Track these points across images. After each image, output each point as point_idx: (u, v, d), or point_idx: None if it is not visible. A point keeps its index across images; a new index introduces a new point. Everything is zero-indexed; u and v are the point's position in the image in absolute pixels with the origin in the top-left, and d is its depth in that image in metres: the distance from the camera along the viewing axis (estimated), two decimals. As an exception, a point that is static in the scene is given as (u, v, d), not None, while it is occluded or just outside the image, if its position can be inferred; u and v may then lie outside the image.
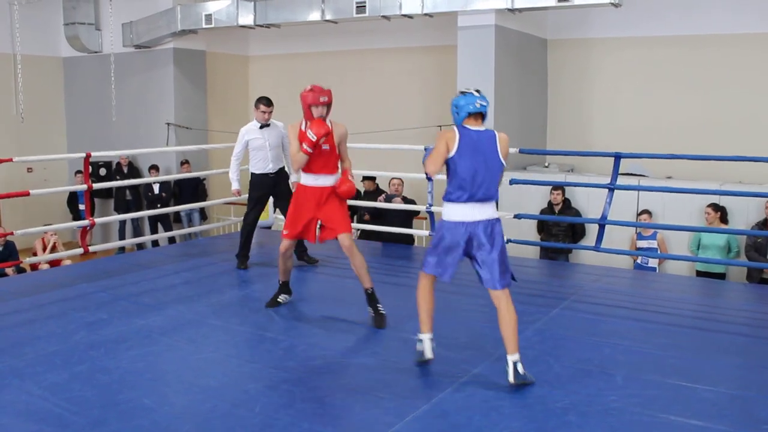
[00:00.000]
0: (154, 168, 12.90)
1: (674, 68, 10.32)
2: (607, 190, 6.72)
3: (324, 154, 5.23)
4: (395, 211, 8.48)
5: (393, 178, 8.86)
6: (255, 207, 6.95)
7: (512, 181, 7.35)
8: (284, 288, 5.66)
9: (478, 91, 4.47)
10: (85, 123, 14.35)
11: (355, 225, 9.63)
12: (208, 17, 12.02)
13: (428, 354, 4.27)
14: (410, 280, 6.63)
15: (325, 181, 5.29)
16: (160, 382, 4.20)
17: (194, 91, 13.51)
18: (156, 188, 12.73)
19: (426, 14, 10.30)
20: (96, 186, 7.70)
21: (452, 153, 4.20)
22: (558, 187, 9.05)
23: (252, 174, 6.89)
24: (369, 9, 10.53)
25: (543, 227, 9.31)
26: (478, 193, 4.16)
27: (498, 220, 4.27)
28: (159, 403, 3.88)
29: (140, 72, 13.55)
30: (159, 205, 12.09)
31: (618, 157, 6.62)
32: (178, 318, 5.39)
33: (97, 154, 7.84)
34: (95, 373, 4.26)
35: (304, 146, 5.10)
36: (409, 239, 8.64)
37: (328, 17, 10.99)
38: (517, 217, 7.35)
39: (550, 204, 9.18)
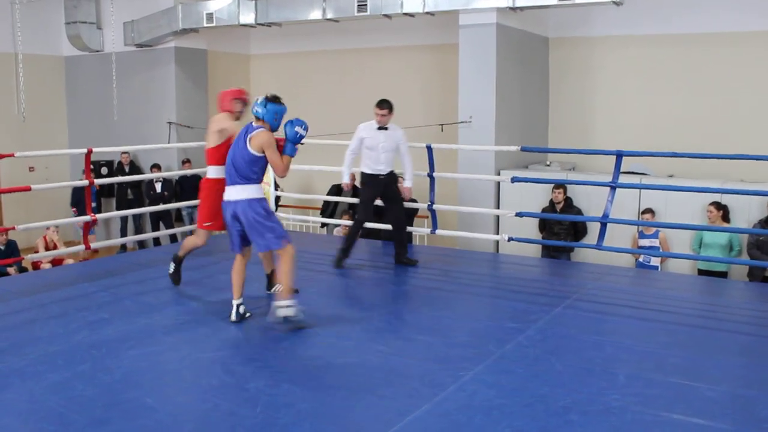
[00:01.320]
0: (155, 167, 12.90)
1: (676, 66, 10.31)
2: (608, 188, 6.71)
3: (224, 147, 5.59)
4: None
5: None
6: (366, 208, 7.02)
7: (514, 180, 7.35)
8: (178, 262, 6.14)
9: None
10: (87, 122, 14.35)
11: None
12: (210, 16, 12.01)
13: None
14: (409, 278, 6.64)
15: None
16: (162, 382, 4.20)
17: (196, 89, 13.50)
18: (158, 187, 12.73)
19: (427, 13, 10.29)
20: (98, 182, 7.72)
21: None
22: (559, 185, 9.05)
23: (362, 173, 6.96)
24: (370, 7, 10.52)
25: (545, 226, 9.30)
26: None
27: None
28: (161, 402, 3.88)
29: (142, 71, 13.55)
30: (161, 204, 12.08)
31: (620, 155, 6.62)
32: (180, 317, 5.39)
33: (99, 150, 7.86)
34: (97, 372, 4.27)
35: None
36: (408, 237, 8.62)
37: (329, 16, 10.97)
38: (519, 215, 7.34)
39: (551, 202, 9.18)
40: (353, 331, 5.09)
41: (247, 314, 5.28)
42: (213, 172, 5.74)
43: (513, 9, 9.69)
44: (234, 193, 5.08)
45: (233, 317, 5.19)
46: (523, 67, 10.64)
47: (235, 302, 5.22)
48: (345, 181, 7.02)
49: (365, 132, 6.84)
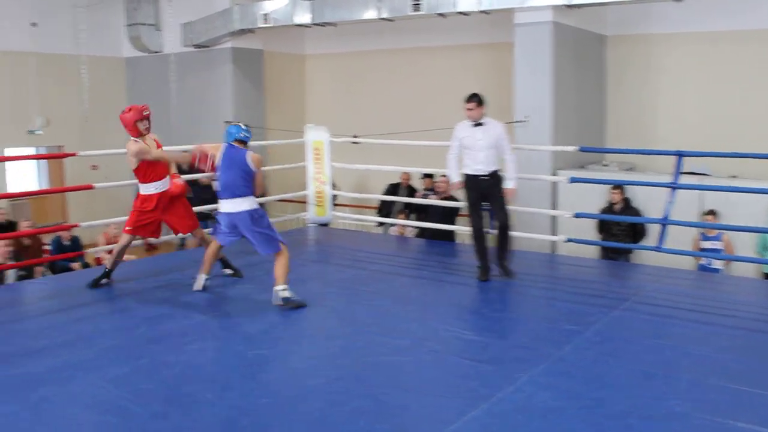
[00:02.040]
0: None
1: (739, 64, 10.05)
2: (668, 189, 6.58)
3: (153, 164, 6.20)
4: (437, 207, 8.47)
5: (441, 176, 8.86)
6: (474, 211, 6.54)
7: (571, 180, 7.25)
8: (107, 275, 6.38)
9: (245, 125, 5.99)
10: (147, 122, 14.62)
11: (411, 223, 9.62)
12: (265, 16, 12.14)
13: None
14: (451, 276, 6.60)
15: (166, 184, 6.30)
16: (220, 377, 4.25)
17: (252, 89, 13.66)
18: (215, 185, 12.88)
19: (482, 11, 10.23)
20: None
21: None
22: (617, 186, 8.88)
23: (463, 175, 6.52)
24: (425, 6, 10.51)
25: (603, 227, 9.14)
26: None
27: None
28: (219, 396, 3.94)
29: (199, 71, 13.76)
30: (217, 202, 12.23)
31: (680, 155, 6.48)
32: (237, 314, 5.46)
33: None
34: (157, 366, 4.35)
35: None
36: (451, 236, 8.60)
37: (383, 15, 10.99)
38: (578, 216, 7.24)
39: (609, 203, 9.03)
40: (409, 330, 5.08)
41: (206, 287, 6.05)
42: (144, 188, 6.27)
43: (569, 6, 9.58)
44: (234, 205, 5.72)
45: (199, 287, 6.02)
46: (579, 65, 10.50)
47: (204, 276, 6.06)
48: (453, 180, 6.66)
49: (462, 131, 6.46)
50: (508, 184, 6.45)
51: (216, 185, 5.93)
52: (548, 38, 9.78)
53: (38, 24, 13.19)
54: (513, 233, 6.59)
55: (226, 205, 5.77)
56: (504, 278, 6.39)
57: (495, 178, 6.42)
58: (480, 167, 6.37)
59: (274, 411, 3.77)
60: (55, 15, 13.40)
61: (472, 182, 6.43)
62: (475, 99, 6.42)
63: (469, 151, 6.39)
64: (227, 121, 6.05)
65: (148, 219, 6.20)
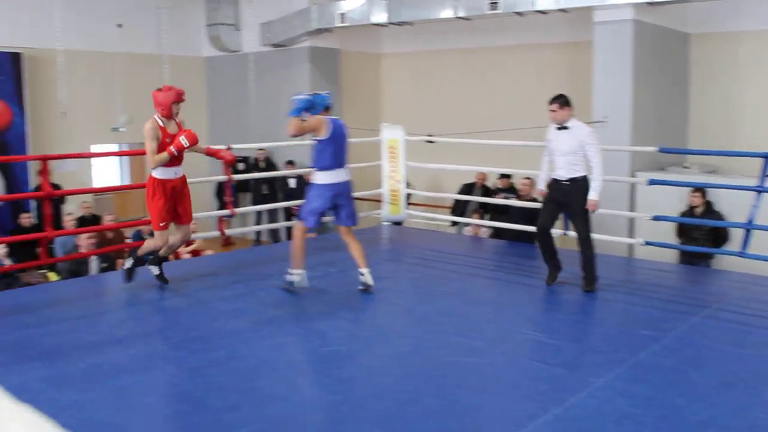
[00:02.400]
0: (289, 163, 13.25)
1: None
2: (754, 192, 6.35)
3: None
4: (517, 208, 8.37)
5: (524, 178, 8.77)
6: (543, 211, 6.27)
7: (651, 182, 7.08)
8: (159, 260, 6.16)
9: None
10: (226, 120, 14.95)
11: (487, 223, 9.54)
12: (342, 16, 12.24)
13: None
14: (526, 278, 6.51)
15: (179, 171, 5.96)
16: (293, 372, 4.31)
17: (328, 88, 13.69)
18: (292, 183, 13.09)
19: (560, 9, 10.08)
20: (235, 178, 8.04)
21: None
22: (699, 189, 8.62)
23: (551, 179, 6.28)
24: (502, 5, 10.42)
25: (683, 231, 8.88)
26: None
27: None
28: (291, 392, 3.99)
29: (277, 70, 13.97)
30: (295, 199, 12.39)
31: (767, 157, 6.25)
32: (310, 310, 5.51)
33: (237, 147, 8.14)
34: (232, 359, 4.43)
35: (172, 149, 5.62)
36: (530, 238, 8.49)
37: (460, 14, 10.95)
38: (656, 218, 7.07)
39: (690, 206, 8.77)
40: (481, 331, 5.05)
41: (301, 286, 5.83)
42: (160, 172, 5.79)
43: (651, 4, 9.35)
44: (340, 175, 5.77)
45: (304, 283, 5.82)
46: (660, 64, 10.23)
47: (298, 271, 5.82)
48: (538, 188, 6.48)
49: (549, 134, 6.14)
50: (591, 195, 5.94)
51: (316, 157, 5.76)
52: (628, 37, 9.56)
53: (123, 25, 13.62)
54: (593, 247, 6.09)
55: (332, 176, 5.75)
56: (585, 290, 5.99)
57: (575, 185, 5.99)
58: (560, 173, 6.05)
59: (344, 408, 3.79)
60: (139, 16, 13.81)
61: (553, 186, 6.17)
62: (559, 100, 6.04)
63: (553, 155, 6.11)
64: (318, 92, 5.85)
65: (167, 207, 5.81)
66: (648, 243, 7.11)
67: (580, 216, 6.04)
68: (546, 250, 6.19)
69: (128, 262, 6.07)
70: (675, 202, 9.00)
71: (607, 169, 9.11)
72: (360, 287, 5.81)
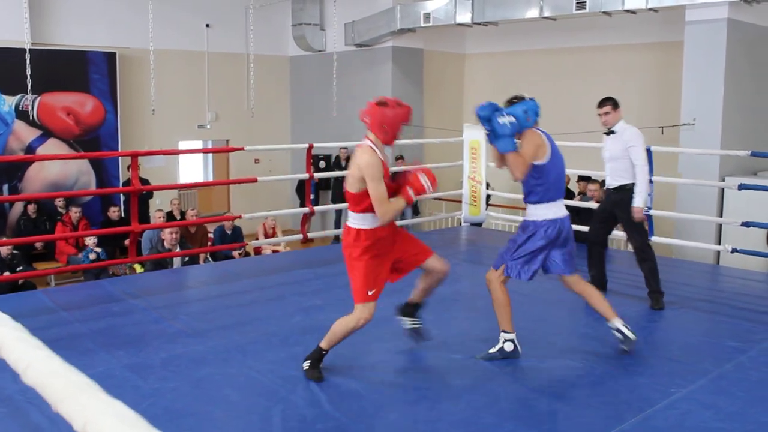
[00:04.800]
0: (368, 162, 13.33)
1: None
2: None
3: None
4: (592, 212, 8.20)
5: (590, 183, 8.61)
6: (596, 222, 6.01)
7: (741, 186, 6.82)
8: (320, 359, 4.18)
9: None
10: (308, 118, 15.15)
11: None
12: (427, 16, 12.23)
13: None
14: (619, 287, 6.34)
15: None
16: (369, 370, 4.33)
17: (411, 88, 13.80)
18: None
19: (650, 9, 9.82)
20: (317, 176, 8.13)
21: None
22: (793, 195, 8.27)
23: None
24: (590, 5, 10.22)
25: (774, 238, 8.56)
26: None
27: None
28: (367, 389, 4.01)
29: (360, 70, 14.07)
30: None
31: None
32: (387, 309, 5.51)
33: (319, 146, 8.23)
34: (329, 355, 4.45)
35: (411, 193, 3.98)
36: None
37: (546, 14, 10.79)
38: (745, 225, 6.81)
39: (783, 213, 8.42)
40: (559, 336, 4.97)
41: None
42: (360, 220, 4.07)
43: (748, 2, 9.00)
44: (561, 208, 4.44)
45: (503, 352, 4.44)
46: (755, 65, 9.85)
47: (510, 336, 4.46)
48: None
49: (604, 140, 5.85)
50: (635, 202, 5.54)
51: (532, 186, 4.40)
52: (722, 36, 9.24)
53: (212, 25, 13.97)
54: (651, 259, 5.71)
55: (553, 209, 4.40)
56: (653, 308, 5.65)
57: (622, 193, 5.63)
58: (608, 179, 5.80)
59: (419, 408, 3.79)
60: (227, 17, 14.15)
61: (605, 194, 5.93)
62: (608, 103, 5.73)
63: (605, 162, 5.84)
64: (515, 98, 4.53)
65: (377, 268, 4.10)
66: (735, 250, 6.86)
67: (630, 226, 5.71)
68: (590, 262, 5.93)
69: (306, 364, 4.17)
70: (767, 208, 8.65)
71: (694, 173, 8.93)
72: (622, 346, 4.50)
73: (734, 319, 5.35)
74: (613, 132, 5.71)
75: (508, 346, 4.40)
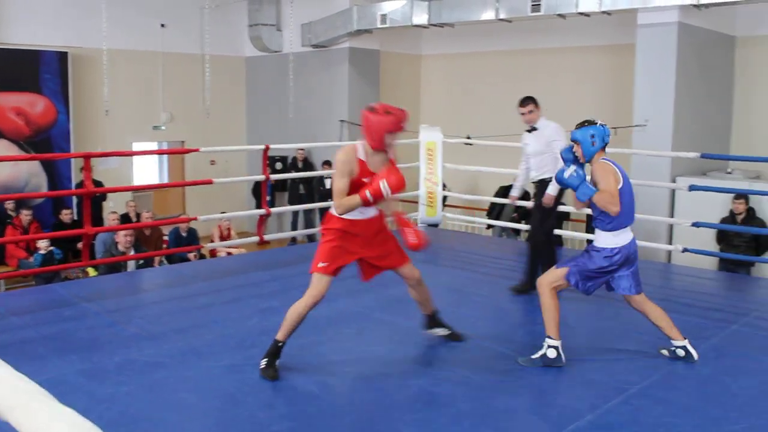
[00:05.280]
0: (327, 163, 13.28)
1: None
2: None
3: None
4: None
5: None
6: (532, 221, 6.24)
7: (692, 188, 6.97)
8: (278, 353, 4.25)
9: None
10: (265, 119, 15.08)
11: (522, 226, 9.51)
12: (384, 17, 12.25)
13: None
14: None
15: (368, 211, 4.28)
16: (326, 371, 4.31)
17: (368, 89, 13.81)
18: (328, 183, 13.14)
19: (603, 12, 9.97)
20: (272, 177, 8.10)
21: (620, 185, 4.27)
22: (741, 195, 8.47)
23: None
24: (544, 7, 10.34)
25: (723, 237, 8.75)
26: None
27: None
28: (324, 391, 4.00)
29: (317, 71, 14.04)
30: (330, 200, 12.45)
31: (813, 164, 6.12)
32: (346, 310, 5.52)
33: (275, 147, 8.20)
34: (266, 357, 4.45)
35: (367, 195, 4.04)
36: (557, 241, 8.42)
37: (502, 16, 10.89)
38: (696, 225, 6.96)
39: (731, 213, 8.62)
40: (517, 335, 5.02)
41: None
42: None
43: (697, 6, 9.19)
44: (630, 232, 4.39)
45: (546, 359, 4.35)
46: (705, 68, 10.07)
47: (555, 342, 4.37)
48: (511, 194, 6.56)
49: (524, 137, 6.14)
50: (548, 189, 5.75)
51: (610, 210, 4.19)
52: (673, 40, 9.43)
53: (167, 25, 13.82)
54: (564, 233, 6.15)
55: (623, 236, 4.32)
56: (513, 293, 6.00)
57: (542, 185, 5.90)
58: (533, 173, 6.06)
59: (377, 410, 3.79)
60: (182, 17, 14.01)
61: (535, 188, 6.12)
62: (531, 102, 6.00)
63: (528, 158, 6.10)
64: (586, 121, 4.36)
65: (337, 248, 4.25)
66: (686, 250, 7.00)
67: (534, 218, 6.05)
68: (541, 260, 5.97)
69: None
70: (717, 208, 8.86)
71: (646, 174, 9.09)
72: (669, 354, 4.54)
73: (685, 316, 5.46)
74: (535, 129, 5.98)
75: (551, 353, 4.32)
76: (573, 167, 4.30)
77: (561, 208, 8.23)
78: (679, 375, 4.24)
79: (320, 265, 4.17)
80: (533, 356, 4.34)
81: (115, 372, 4.21)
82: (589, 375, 4.22)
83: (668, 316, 4.50)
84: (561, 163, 5.45)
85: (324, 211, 13.04)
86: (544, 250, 5.95)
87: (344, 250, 4.21)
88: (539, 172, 5.97)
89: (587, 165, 4.34)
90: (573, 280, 4.34)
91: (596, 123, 4.32)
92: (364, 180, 4.11)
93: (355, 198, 4.08)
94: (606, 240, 4.31)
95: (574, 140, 4.33)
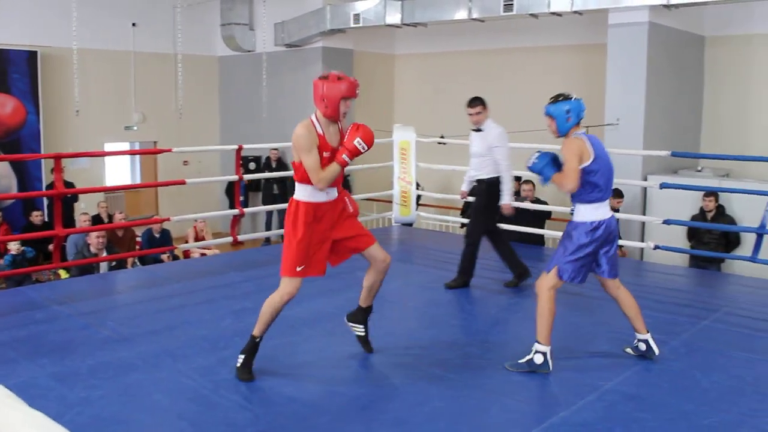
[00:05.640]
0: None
1: None
2: (766, 197, 6.31)
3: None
4: (527, 212, 8.37)
5: (523, 183, 8.78)
6: (473, 217, 6.40)
7: (663, 185, 7.05)
8: (255, 348, 4.22)
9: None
10: (238, 119, 15.00)
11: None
12: (357, 16, 12.25)
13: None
14: (534, 280, 6.47)
15: (333, 192, 4.21)
16: (300, 372, 4.31)
17: (341, 88, 13.76)
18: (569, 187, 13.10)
19: (575, 12, 10.05)
20: (246, 177, 8.07)
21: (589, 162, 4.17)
22: (711, 192, 8.59)
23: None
24: (517, 7, 10.39)
25: (693, 234, 8.87)
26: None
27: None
28: (299, 391, 4.00)
29: (290, 70, 14.00)
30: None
31: (780, 162, 6.21)
32: (319, 310, 5.52)
33: (249, 147, 8.17)
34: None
35: (344, 157, 4.00)
36: (540, 240, 8.51)
37: (474, 15, 10.93)
38: (667, 222, 7.04)
39: (702, 210, 8.73)
40: (490, 333, 5.04)
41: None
42: (307, 193, 4.14)
43: (667, 6, 9.29)
44: (609, 209, 4.31)
45: (533, 364, 4.25)
46: (675, 67, 10.19)
47: (545, 348, 4.24)
48: (461, 189, 6.69)
49: (471, 136, 6.29)
50: (503, 199, 6.05)
51: (570, 187, 4.17)
52: (643, 39, 9.52)
53: (138, 24, 13.70)
54: (475, 247, 6.21)
55: (601, 210, 4.24)
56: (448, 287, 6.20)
57: (481, 185, 6.16)
58: (473, 173, 6.30)
59: (353, 409, 3.79)
60: (154, 15, 13.89)
61: (475, 188, 6.37)
62: (480, 103, 6.11)
63: (471, 157, 6.32)
64: (561, 95, 4.42)
65: (311, 243, 4.12)
66: (658, 247, 7.08)
67: (471, 215, 6.35)
68: (501, 254, 6.32)
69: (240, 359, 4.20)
70: (688, 205, 8.97)
71: (618, 172, 9.12)
72: (633, 352, 4.52)
73: (657, 312, 5.52)
74: (480, 130, 6.13)
75: (538, 359, 4.21)
76: (537, 154, 4.30)
77: (543, 207, 8.35)
78: (651, 371, 4.29)
79: (298, 269, 4.09)
80: (520, 360, 4.27)
81: (88, 375, 4.17)
82: (563, 372, 4.25)
83: (638, 307, 4.45)
84: (503, 168, 5.98)
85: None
86: (474, 242, 6.21)
87: (317, 241, 4.12)
88: (478, 172, 6.19)
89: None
90: (566, 275, 4.23)
91: (571, 97, 4.25)
92: (324, 155, 4.04)
93: (333, 166, 4.02)
94: (586, 213, 4.22)
95: (548, 115, 4.28)
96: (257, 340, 4.19)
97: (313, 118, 4.13)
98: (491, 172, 6.09)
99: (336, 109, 4.07)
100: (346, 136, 4.06)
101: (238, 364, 4.16)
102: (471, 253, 6.20)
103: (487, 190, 6.12)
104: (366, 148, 4.03)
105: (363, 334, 4.57)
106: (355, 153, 4.02)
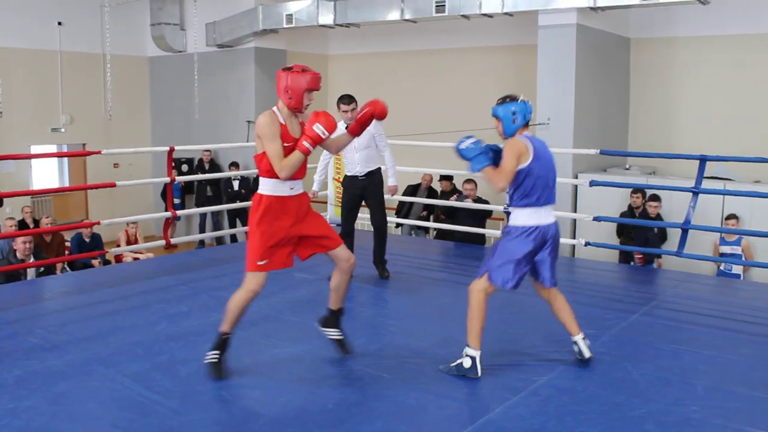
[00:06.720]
0: (234, 165, 13.16)
1: (765, 68, 9.95)
2: (690, 193, 6.53)
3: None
4: (468, 211, 8.46)
5: (465, 182, 8.87)
6: (349, 211, 6.55)
7: (592, 183, 7.21)
8: (225, 344, 4.23)
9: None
10: (169, 120, 14.77)
11: (431, 224, 9.68)
12: (289, 17, 12.19)
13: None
14: (470, 279, 6.56)
15: (298, 186, 4.21)
16: (237, 376, 4.25)
17: (274, 89, 13.62)
18: (236, 185, 12.99)
19: (506, 13, 10.21)
20: (178, 179, 7.95)
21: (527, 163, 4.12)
22: (639, 189, 8.83)
23: (344, 176, 6.56)
24: (448, 8, 10.50)
25: (622, 231, 9.11)
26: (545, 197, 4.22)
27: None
28: (236, 395, 3.96)
29: (222, 71, 13.85)
30: (238, 201, 12.31)
31: (703, 159, 6.43)
32: (255, 313, 5.44)
33: (180, 149, 8.06)
34: (175, 364, 4.38)
35: (306, 144, 4.00)
36: (481, 239, 8.61)
37: (407, 17, 11.01)
38: (596, 219, 7.21)
39: (630, 207, 8.97)
40: (427, 332, 5.08)
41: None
42: (271, 186, 4.14)
43: (594, 9, 9.53)
44: (550, 214, 4.21)
45: (462, 368, 4.18)
46: (603, 68, 10.45)
47: (474, 352, 4.17)
48: (313, 188, 6.71)
49: (336, 135, 6.46)
50: (391, 181, 6.56)
51: (504, 188, 4.14)
52: (572, 41, 9.75)
53: (64, 23, 13.35)
54: (385, 236, 6.68)
55: (541, 215, 4.16)
56: (382, 278, 6.58)
57: (372, 177, 6.40)
58: (357, 169, 6.37)
59: (289, 411, 3.77)
60: (80, 14, 13.57)
61: (351, 183, 6.44)
62: (354, 101, 6.21)
63: (346, 153, 6.36)
64: (508, 97, 4.28)
65: (274, 238, 4.11)
66: (588, 243, 7.25)
67: (378, 206, 6.49)
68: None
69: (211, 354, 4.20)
70: (617, 203, 9.21)
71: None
72: (578, 358, 4.43)
73: (588, 307, 5.66)
74: None
75: (467, 362, 4.13)
76: (472, 139, 4.18)
77: (485, 206, 8.44)
78: (583, 365, 4.38)
79: (260, 263, 4.06)
80: (451, 364, 4.21)
81: (15, 385, 4.04)
82: (498, 369, 4.30)
83: (572, 312, 4.45)
84: (387, 154, 6.36)
85: (233, 215, 12.90)
86: (385, 233, 6.62)
87: (280, 237, 4.09)
88: (367, 165, 6.36)
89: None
90: (498, 280, 4.14)
91: (518, 99, 4.20)
92: (286, 145, 4.02)
93: (296, 154, 4.01)
94: (520, 218, 4.16)
95: (494, 116, 4.21)
96: (225, 336, 4.16)
97: (275, 109, 4.12)
98: (377, 164, 6.44)
99: (300, 100, 4.07)
100: (306, 125, 4.06)
101: (208, 361, 4.13)
102: (384, 242, 6.64)
103: (382, 180, 6.48)
104: (327, 134, 4.03)
105: (340, 337, 4.49)
106: (316, 140, 4.01)
